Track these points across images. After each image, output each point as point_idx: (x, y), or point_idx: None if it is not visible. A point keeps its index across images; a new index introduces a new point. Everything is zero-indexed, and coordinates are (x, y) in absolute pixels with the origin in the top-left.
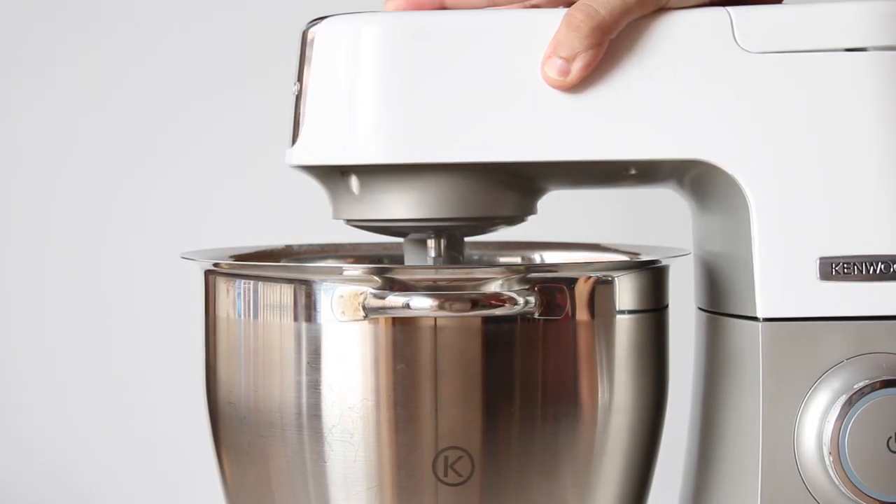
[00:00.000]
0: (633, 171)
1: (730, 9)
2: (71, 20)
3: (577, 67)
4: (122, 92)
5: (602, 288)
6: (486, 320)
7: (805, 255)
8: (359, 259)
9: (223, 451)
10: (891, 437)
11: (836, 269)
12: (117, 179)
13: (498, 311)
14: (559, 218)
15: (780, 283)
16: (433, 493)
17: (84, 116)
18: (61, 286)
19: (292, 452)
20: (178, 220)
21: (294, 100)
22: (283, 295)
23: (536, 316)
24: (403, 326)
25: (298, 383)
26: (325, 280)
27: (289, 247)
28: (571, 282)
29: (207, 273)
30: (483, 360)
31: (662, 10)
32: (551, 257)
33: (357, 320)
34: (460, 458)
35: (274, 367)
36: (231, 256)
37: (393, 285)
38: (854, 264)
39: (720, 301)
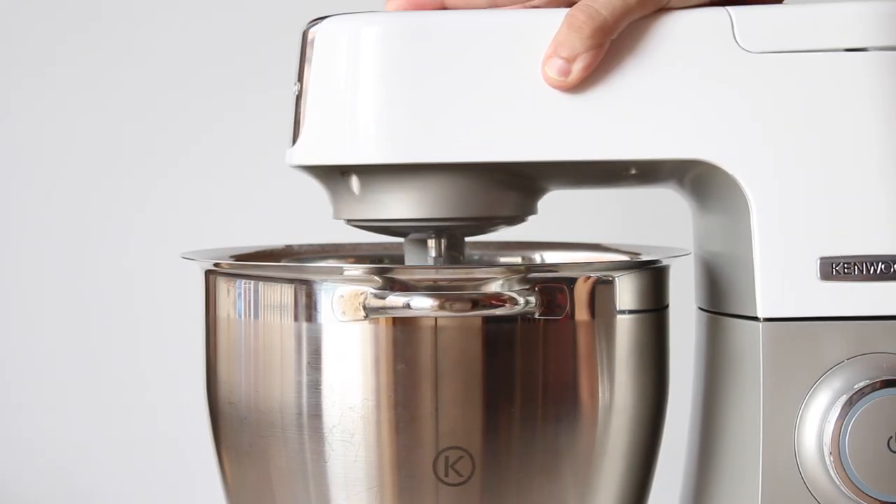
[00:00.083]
0: (633, 171)
1: (730, 9)
2: (71, 20)
3: (577, 68)
4: (121, 92)
5: (602, 288)
6: (487, 320)
7: (805, 255)
8: (359, 259)
9: (224, 452)
10: (891, 437)
11: (837, 269)
12: (117, 179)
13: (498, 311)
14: (560, 218)
15: (781, 283)
16: (434, 494)
17: (84, 116)
18: (61, 286)
19: (293, 452)
20: (178, 220)
21: (294, 100)
22: (283, 295)
23: (537, 316)
24: (404, 326)
25: (299, 383)
26: (326, 280)
27: (289, 247)
28: (572, 282)
29: (208, 273)
30: (483, 360)
31: (663, 10)
32: (552, 257)
33: (357, 320)
34: (461, 458)
35: (274, 368)
36: (231, 256)
37: (393, 285)
38: (854, 264)
39: (720, 301)
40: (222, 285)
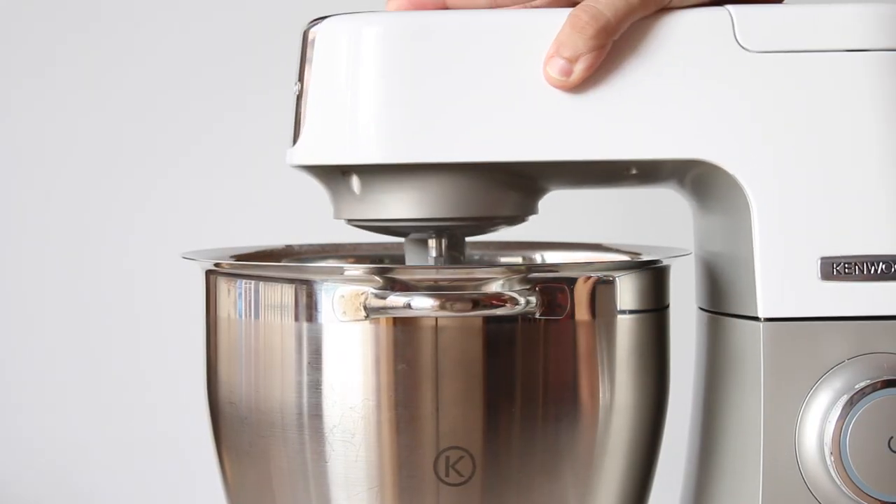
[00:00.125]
0: (633, 171)
1: (731, 8)
2: (71, 20)
3: (579, 68)
4: (121, 92)
5: (603, 288)
6: (488, 320)
7: (806, 255)
8: (360, 259)
9: (224, 452)
10: (892, 437)
11: (838, 269)
12: (117, 179)
13: (499, 311)
14: (560, 218)
15: (782, 283)
16: (434, 494)
17: (83, 116)
18: (61, 286)
19: (293, 452)
20: (179, 220)
21: (295, 100)
22: (284, 295)
23: (537, 316)
24: (404, 326)
25: (299, 383)
26: (327, 280)
27: (289, 247)
28: (572, 282)
29: (208, 273)
30: (484, 360)
31: (664, 10)
32: (552, 257)
33: (358, 320)
34: (461, 458)
35: (275, 368)
36: (232, 256)
37: (394, 285)
38: (855, 264)
39: (721, 301)
40: (223, 285)
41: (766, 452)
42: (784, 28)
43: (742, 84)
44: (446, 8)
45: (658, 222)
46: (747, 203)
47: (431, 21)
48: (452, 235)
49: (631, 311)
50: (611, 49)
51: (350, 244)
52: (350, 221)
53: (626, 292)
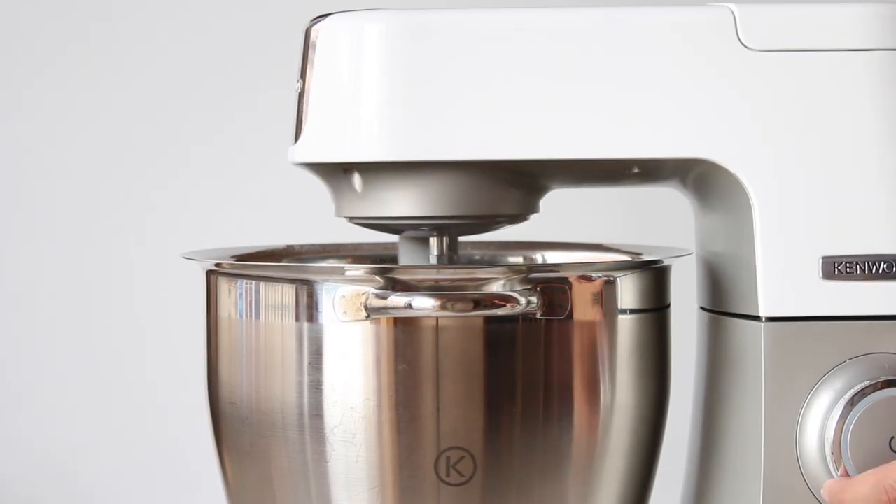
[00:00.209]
0: (635, 170)
1: (733, 6)
2: (77, 22)
3: None
4: (123, 94)
5: (604, 288)
6: (488, 320)
7: (808, 255)
8: (360, 259)
9: (225, 452)
10: (893, 437)
11: (839, 268)
12: (118, 180)
13: (500, 312)
14: (561, 218)
15: (783, 283)
16: (435, 494)
17: (84, 118)
18: (62, 286)
19: (294, 453)
20: (179, 220)
21: (297, 97)
22: (284, 295)
23: (538, 316)
24: (405, 326)
25: (300, 384)
26: (327, 280)
27: (290, 247)
28: (573, 282)
29: (209, 273)
30: (485, 361)
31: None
32: (553, 257)
33: (359, 320)
34: (462, 458)
35: (276, 368)
36: (232, 256)
37: (395, 285)
38: (857, 264)
39: (722, 300)
40: (223, 285)
41: (767, 452)
42: (786, 27)
43: (744, 83)
44: None
45: (659, 222)
46: (749, 202)
47: (433, 19)
48: (447, 234)
49: (632, 311)
50: (613, 48)
51: (351, 244)
52: (351, 219)
53: (627, 292)
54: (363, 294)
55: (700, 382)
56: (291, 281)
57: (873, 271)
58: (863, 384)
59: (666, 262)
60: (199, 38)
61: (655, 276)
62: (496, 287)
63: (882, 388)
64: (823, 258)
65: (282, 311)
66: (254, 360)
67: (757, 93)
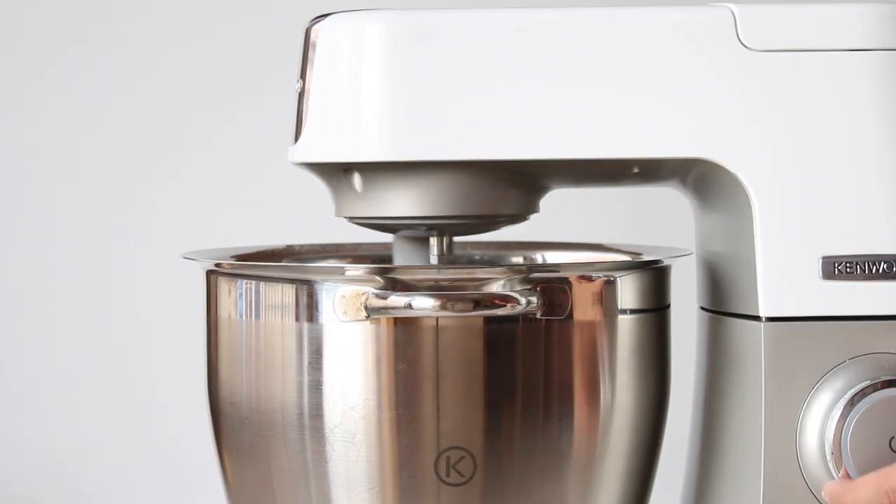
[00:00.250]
0: (635, 170)
1: (733, 6)
2: (77, 22)
3: None
4: (123, 94)
5: (604, 288)
6: (488, 320)
7: (808, 255)
8: (360, 259)
9: (225, 452)
10: (893, 437)
11: (839, 268)
12: (119, 180)
13: (500, 312)
14: (561, 218)
15: (783, 283)
16: (435, 494)
17: (85, 118)
18: (62, 286)
19: (294, 453)
20: (179, 220)
21: (297, 97)
22: (284, 295)
23: (538, 316)
24: (405, 326)
25: (300, 384)
26: (327, 280)
27: (290, 247)
28: (573, 282)
29: (209, 273)
30: (485, 361)
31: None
32: (553, 257)
33: (359, 320)
34: (462, 458)
35: (276, 368)
36: (232, 256)
37: (395, 285)
38: (857, 264)
39: (722, 300)
40: (223, 285)
41: (767, 452)
42: (786, 27)
43: (744, 83)
44: None
45: (659, 222)
46: (749, 202)
47: (433, 19)
48: (447, 235)
49: (632, 311)
50: (613, 47)
51: (351, 244)
52: (351, 219)
53: (628, 292)
54: (363, 294)
55: (700, 382)
56: (291, 281)
57: (873, 271)
58: (863, 384)
59: (666, 262)
60: (199, 38)
61: (655, 276)
62: (496, 287)
63: (882, 388)
64: (823, 258)
65: (282, 311)
66: (254, 360)
67: (757, 93)
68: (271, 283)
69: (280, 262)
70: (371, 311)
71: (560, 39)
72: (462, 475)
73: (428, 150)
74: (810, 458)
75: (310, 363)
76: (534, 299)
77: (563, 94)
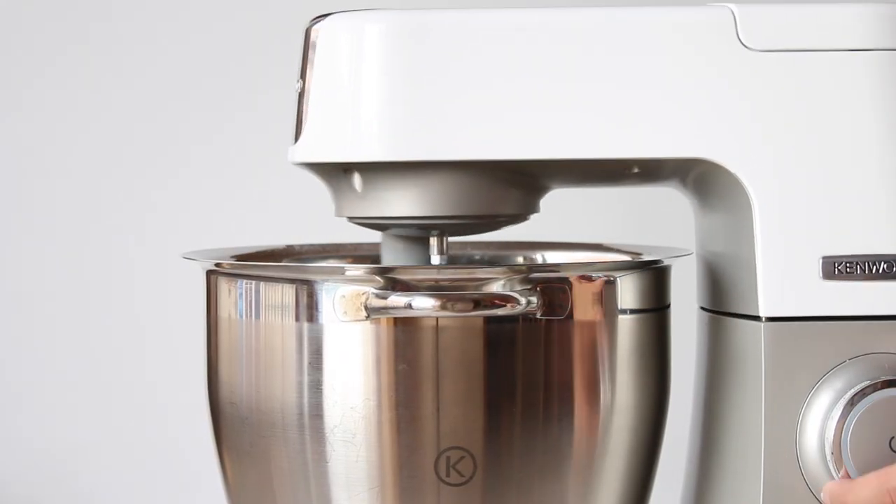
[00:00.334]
0: (635, 170)
1: (733, 6)
2: (77, 22)
3: None
4: (123, 94)
5: (604, 288)
6: (488, 320)
7: (808, 255)
8: (360, 259)
9: (225, 452)
10: (893, 437)
11: (839, 268)
12: (118, 180)
13: (500, 312)
14: (561, 218)
15: (783, 283)
16: (435, 494)
17: (85, 118)
18: (62, 286)
19: (294, 453)
20: (179, 220)
21: (297, 97)
22: (284, 295)
23: (538, 316)
24: (405, 326)
25: (300, 384)
26: (327, 280)
27: (290, 247)
28: (573, 282)
29: (209, 273)
30: (485, 361)
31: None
32: (553, 257)
33: (359, 320)
34: (462, 458)
35: (275, 368)
36: (232, 256)
37: (395, 285)
38: (857, 264)
39: (723, 300)
40: (223, 285)
41: (767, 452)
42: (786, 27)
43: (744, 83)
44: None
45: (659, 222)
46: (749, 202)
47: (433, 19)
48: (447, 235)
49: (632, 311)
50: (614, 47)
51: (351, 244)
52: (351, 219)
53: (628, 292)
54: (363, 294)
55: (700, 382)
56: (291, 281)
57: (873, 271)
58: (863, 384)
59: (666, 262)
60: (199, 38)
61: (655, 276)
62: (496, 287)
63: (882, 388)
64: (823, 258)
65: (282, 311)
66: (254, 360)
67: (757, 93)
68: (271, 283)
69: (280, 262)
70: (371, 311)
71: (560, 39)
72: (462, 475)
73: (428, 150)
74: (810, 458)
75: (310, 363)
76: (534, 299)
77: (563, 94)
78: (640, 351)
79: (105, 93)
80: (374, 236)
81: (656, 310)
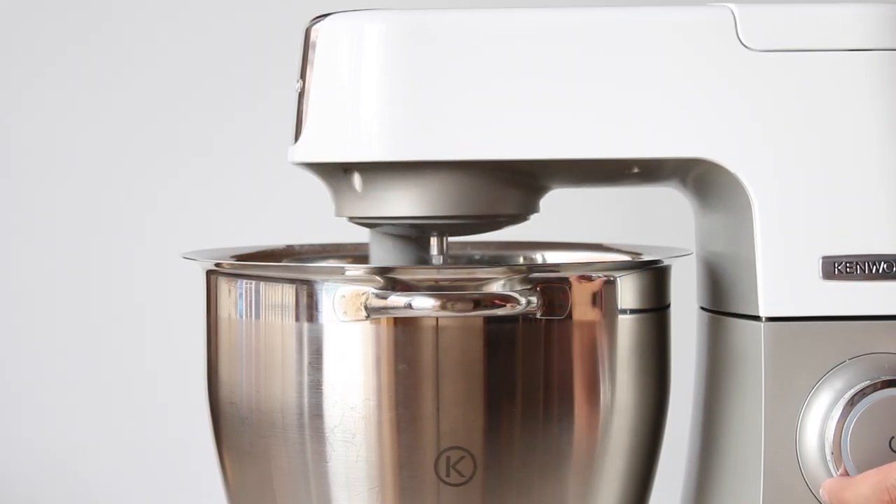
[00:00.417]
0: (635, 170)
1: (733, 6)
2: (77, 22)
3: None
4: (124, 94)
5: (604, 288)
6: (488, 320)
7: (808, 255)
8: (361, 259)
9: (225, 452)
10: (893, 437)
11: (839, 268)
12: (119, 180)
13: (500, 312)
14: (561, 218)
15: (783, 283)
16: (435, 494)
17: (85, 118)
18: (63, 286)
19: (294, 453)
20: (180, 220)
21: (297, 97)
22: (284, 295)
23: (538, 316)
24: (405, 326)
25: (300, 384)
26: (327, 280)
27: (290, 247)
28: (573, 282)
29: (209, 273)
30: (485, 360)
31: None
32: (553, 257)
33: (359, 320)
34: (462, 458)
35: (276, 368)
36: (232, 256)
37: (395, 285)
38: (857, 264)
39: (722, 300)
40: (223, 285)
41: (767, 452)
42: (786, 27)
43: (744, 83)
44: None
45: (659, 222)
46: (749, 202)
47: (433, 19)
48: (447, 234)
49: (632, 311)
50: (614, 47)
51: (351, 244)
52: (351, 219)
53: (627, 292)
54: (363, 294)
55: (700, 382)
56: (291, 281)
57: (873, 271)
58: (863, 384)
59: (666, 262)
60: (199, 38)
61: (655, 276)
62: (496, 287)
63: (882, 388)
64: (823, 258)
65: (282, 311)
66: (254, 360)
67: (757, 93)
68: (271, 283)
69: (280, 262)
70: (371, 311)
71: (560, 39)
72: (462, 475)
73: (428, 150)
74: (810, 458)
75: (310, 363)
76: (534, 299)
77: (563, 94)
78: (640, 351)
79: (105, 93)
80: None
81: (656, 310)
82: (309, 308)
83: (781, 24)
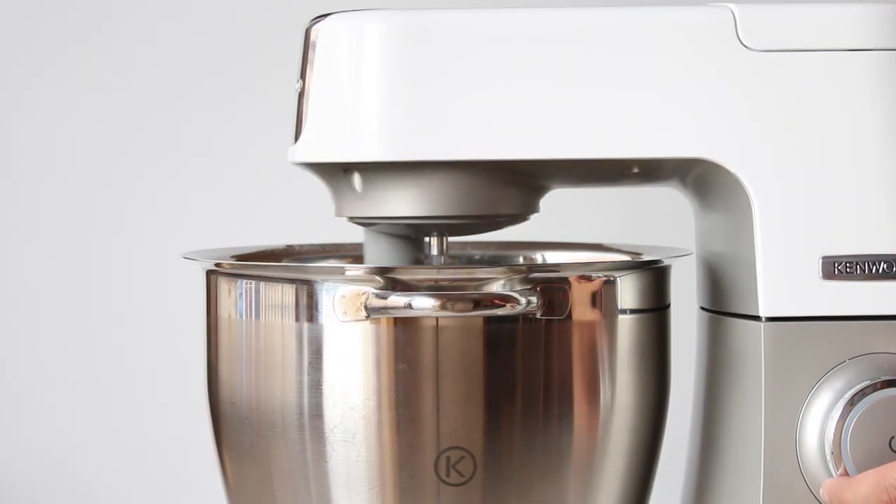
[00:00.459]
0: (635, 170)
1: (733, 6)
2: (77, 22)
3: None
4: (123, 94)
5: (604, 288)
6: (488, 320)
7: (808, 255)
8: (360, 259)
9: (225, 452)
10: (893, 437)
11: (839, 268)
12: (119, 180)
13: (500, 312)
14: (561, 218)
15: (783, 283)
16: (435, 494)
17: (85, 118)
18: (63, 286)
19: (294, 453)
20: (180, 220)
21: (297, 97)
22: (284, 295)
23: (538, 316)
24: (405, 326)
25: (300, 384)
26: (327, 280)
27: (290, 247)
28: (573, 282)
29: (209, 273)
30: (485, 360)
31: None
32: (553, 257)
33: (359, 320)
34: (462, 458)
35: (275, 368)
36: (232, 256)
37: (395, 285)
38: (857, 264)
39: (722, 300)
40: (223, 285)
41: (767, 452)
42: (786, 27)
43: (744, 83)
44: None
45: (659, 222)
46: (749, 202)
47: (433, 19)
48: (447, 234)
49: (632, 311)
50: (614, 47)
51: (351, 244)
52: (351, 219)
53: (627, 292)
54: (363, 294)
55: (700, 382)
56: (291, 281)
57: (873, 271)
58: (863, 384)
59: (666, 262)
60: (199, 38)
61: (655, 276)
62: (496, 287)
63: (882, 388)
64: (823, 258)
65: (282, 311)
66: (254, 360)
67: (757, 93)
68: (271, 283)
69: (280, 262)
70: (371, 311)
71: (560, 39)
72: (462, 475)
73: (428, 150)
74: (810, 458)
75: (310, 363)
76: (534, 299)
77: (563, 94)
78: (639, 351)
79: (105, 93)
80: None
81: (656, 310)
82: (309, 308)
83: (781, 24)
